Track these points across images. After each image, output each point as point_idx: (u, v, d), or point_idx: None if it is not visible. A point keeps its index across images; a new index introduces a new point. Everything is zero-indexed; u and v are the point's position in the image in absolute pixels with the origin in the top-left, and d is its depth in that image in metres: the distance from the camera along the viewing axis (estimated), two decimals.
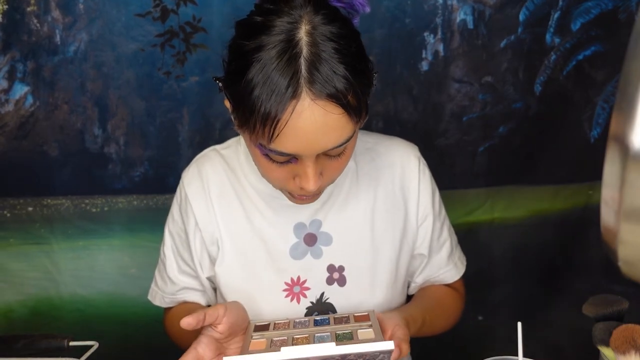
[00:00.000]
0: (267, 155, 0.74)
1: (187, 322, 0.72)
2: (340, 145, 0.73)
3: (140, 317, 1.41)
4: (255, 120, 0.69)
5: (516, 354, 0.68)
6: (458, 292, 1.03)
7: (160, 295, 0.98)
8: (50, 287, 1.42)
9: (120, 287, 1.42)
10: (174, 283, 0.96)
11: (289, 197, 0.82)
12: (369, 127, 1.40)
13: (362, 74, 0.72)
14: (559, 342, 1.36)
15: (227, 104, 0.77)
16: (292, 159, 0.73)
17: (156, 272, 1.00)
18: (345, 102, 0.69)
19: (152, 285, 1.01)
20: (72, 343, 1.03)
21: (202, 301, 0.96)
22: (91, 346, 1.02)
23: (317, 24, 0.69)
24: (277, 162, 0.74)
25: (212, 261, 0.92)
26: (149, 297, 1.01)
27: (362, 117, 0.73)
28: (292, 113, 0.68)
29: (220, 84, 0.76)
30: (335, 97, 0.68)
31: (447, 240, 0.99)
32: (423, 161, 0.95)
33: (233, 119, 0.76)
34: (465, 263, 1.02)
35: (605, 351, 0.69)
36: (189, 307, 0.95)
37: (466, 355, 1.42)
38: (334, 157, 0.75)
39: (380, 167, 0.93)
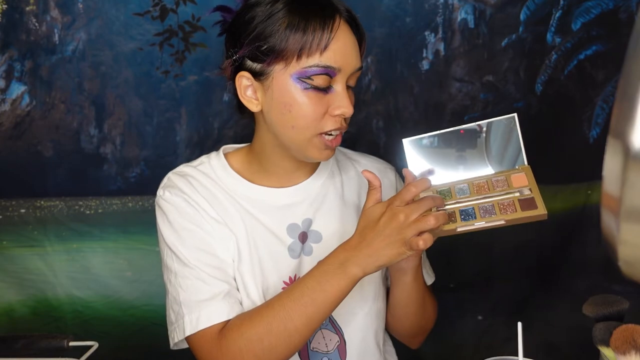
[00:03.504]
0: (309, 88, 0.82)
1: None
2: (359, 69, 0.86)
3: (138, 320, 1.39)
4: (309, 39, 0.80)
5: (516, 354, 0.67)
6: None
7: (205, 314, 0.83)
8: (47, 289, 1.40)
9: (116, 290, 1.40)
10: (213, 285, 0.85)
11: (318, 145, 0.85)
12: (369, 126, 1.41)
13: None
14: (559, 342, 1.36)
15: (240, 77, 0.85)
16: (329, 88, 0.83)
17: (170, 309, 0.87)
18: (360, 29, 0.87)
19: (169, 326, 0.88)
20: (72, 343, 1.03)
21: (227, 312, 0.84)
22: (91, 346, 1.02)
23: None
24: (318, 87, 0.82)
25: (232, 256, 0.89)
26: (173, 342, 0.86)
27: (361, 62, 0.87)
28: (335, 24, 0.82)
29: (233, 57, 0.86)
30: (356, 24, 0.86)
31: None
32: (398, 175, 1.04)
33: (255, 69, 0.84)
34: (434, 277, 1.05)
35: (605, 351, 0.69)
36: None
37: (466, 354, 1.42)
38: (350, 88, 0.87)
39: (361, 174, 0.95)
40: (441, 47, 1.38)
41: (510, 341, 0.71)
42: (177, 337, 0.84)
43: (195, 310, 0.83)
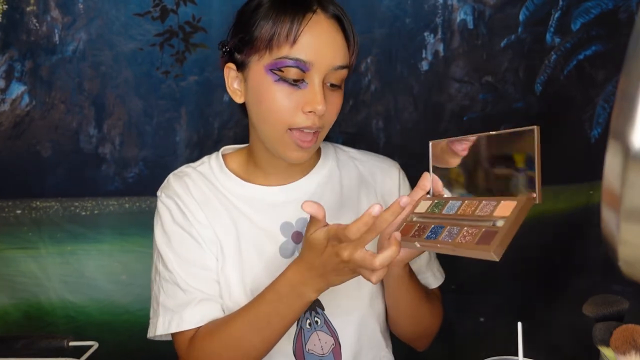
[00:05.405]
0: (279, 80, 0.81)
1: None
2: (341, 67, 0.83)
3: (132, 325, 1.38)
4: (277, 30, 0.80)
5: (516, 354, 0.67)
6: (438, 296, 1.04)
7: (176, 320, 0.87)
8: (39, 293, 1.38)
9: (110, 294, 1.39)
10: (189, 292, 0.88)
11: (289, 144, 0.84)
12: (369, 126, 1.41)
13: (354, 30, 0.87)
14: (559, 342, 1.35)
15: (227, 69, 0.87)
16: (301, 82, 0.81)
17: (152, 304, 0.92)
18: (347, 29, 0.84)
19: (150, 319, 0.92)
20: (72, 343, 1.03)
21: (216, 314, 0.89)
22: (91, 346, 1.02)
23: None
24: (289, 81, 0.81)
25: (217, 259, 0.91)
26: (150, 334, 0.90)
27: (353, 60, 0.86)
28: (309, 21, 0.80)
29: (223, 48, 0.88)
30: (342, 22, 0.84)
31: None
32: (403, 173, 1.02)
33: (238, 59, 0.85)
34: (443, 276, 1.04)
35: (605, 351, 0.69)
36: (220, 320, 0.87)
37: (467, 355, 1.41)
38: (333, 88, 0.84)
39: (363, 174, 0.99)
40: (440, 47, 1.38)
41: (510, 341, 0.71)
42: (151, 333, 0.90)
43: (168, 313, 0.88)
